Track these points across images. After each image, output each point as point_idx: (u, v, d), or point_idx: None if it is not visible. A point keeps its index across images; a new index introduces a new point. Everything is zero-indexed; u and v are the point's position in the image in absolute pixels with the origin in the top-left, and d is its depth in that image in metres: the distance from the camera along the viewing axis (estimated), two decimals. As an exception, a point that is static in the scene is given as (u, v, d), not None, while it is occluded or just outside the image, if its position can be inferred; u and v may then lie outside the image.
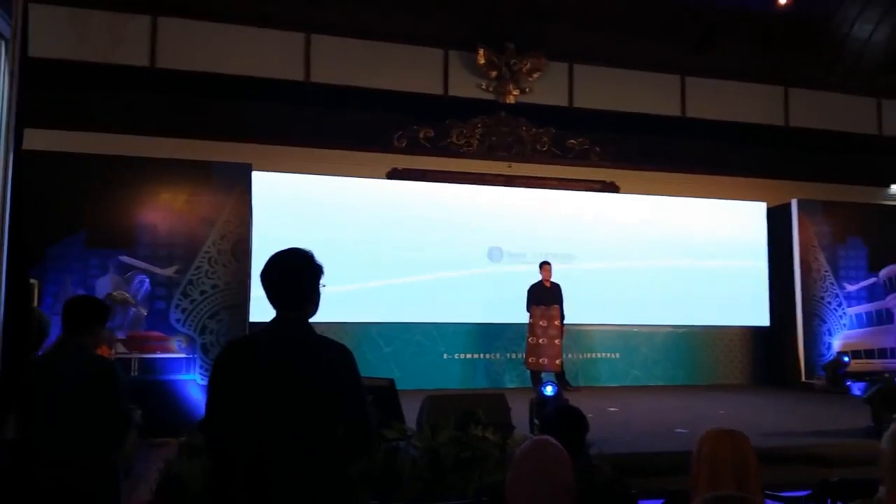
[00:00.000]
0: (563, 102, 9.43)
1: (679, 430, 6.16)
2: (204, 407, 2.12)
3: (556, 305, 8.40)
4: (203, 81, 8.34)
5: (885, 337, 9.93)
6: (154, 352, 7.13)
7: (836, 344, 9.72)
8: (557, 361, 8.33)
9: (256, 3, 8.28)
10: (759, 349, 10.27)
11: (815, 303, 9.78)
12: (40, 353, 3.27)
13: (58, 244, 7.07)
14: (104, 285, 7.19)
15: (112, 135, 8.08)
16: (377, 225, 8.95)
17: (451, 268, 9.12)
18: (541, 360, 8.33)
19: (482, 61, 9.06)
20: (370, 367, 7.96)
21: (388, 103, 9.00)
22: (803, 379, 9.57)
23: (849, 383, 9.03)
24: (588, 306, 9.03)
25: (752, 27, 9.24)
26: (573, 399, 5.53)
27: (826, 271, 9.85)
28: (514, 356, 9.12)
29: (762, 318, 10.23)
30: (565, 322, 8.47)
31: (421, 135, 9.37)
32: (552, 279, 8.60)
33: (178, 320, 7.32)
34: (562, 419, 3.05)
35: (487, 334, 9.25)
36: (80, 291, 6.72)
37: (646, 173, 10.03)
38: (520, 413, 5.37)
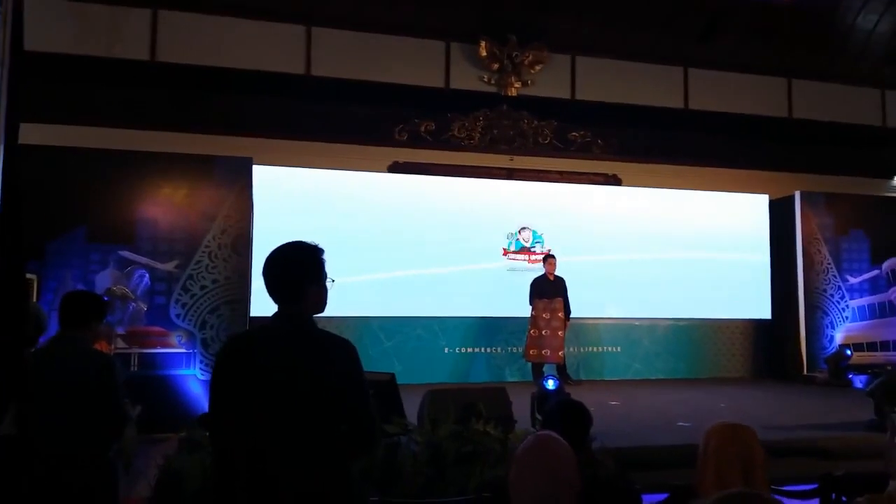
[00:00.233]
0: (566, 95, 9.37)
1: (681, 424, 6.15)
2: (207, 403, 2.11)
3: (560, 298, 8.42)
4: (203, 75, 8.29)
5: (888, 329, 9.90)
6: (154, 347, 7.09)
7: (839, 337, 9.69)
8: (560, 353, 8.35)
9: (257, -5, 8.26)
10: (761, 342, 10.24)
11: (817, 295, 9.74)
12: (37, 349, 3.24)
13: (58, 239, 7.03)
14: (104, 280, 7.15)
15: (112, 129, 8.06)
16: (378, 219, 8.91)
17: (453, 262, 9.09)
18: (543, 352, 8.33)
19: (484, 53, 9.01)
20: (371, 361, 7.93)
21: (390, 96, 8.96)
22: (805, 372, 9.54)
23: (851, 376, 9.02)
24: (589, 300, 9.01)
25: (755, 18, 9.18)
26: (574, 393, 5.54)
27: (828, 264, 9.81)
28: (515, 350, 9.11)
29: (764, 310, 10.20)
30: (571, 316, 8.48)
31: (422, 128, 9.33)
32: (556, 273, 8.61)
33: (178, 315, 7.29)
34: (565, 414, 3.04)
35: (489, 328, 9.23)
36: (80, 287, 6.68)
37: (648, 166, 10.00)
38: (521, 407, 5.35)
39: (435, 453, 4.22)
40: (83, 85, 8.26)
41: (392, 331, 8.86)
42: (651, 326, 9.77)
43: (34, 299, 6.43)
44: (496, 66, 9.08)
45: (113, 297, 6.99)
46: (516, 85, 9.14)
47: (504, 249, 9.44)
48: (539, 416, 5.18)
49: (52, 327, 3.41)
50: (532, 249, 9.49)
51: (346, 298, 8.24)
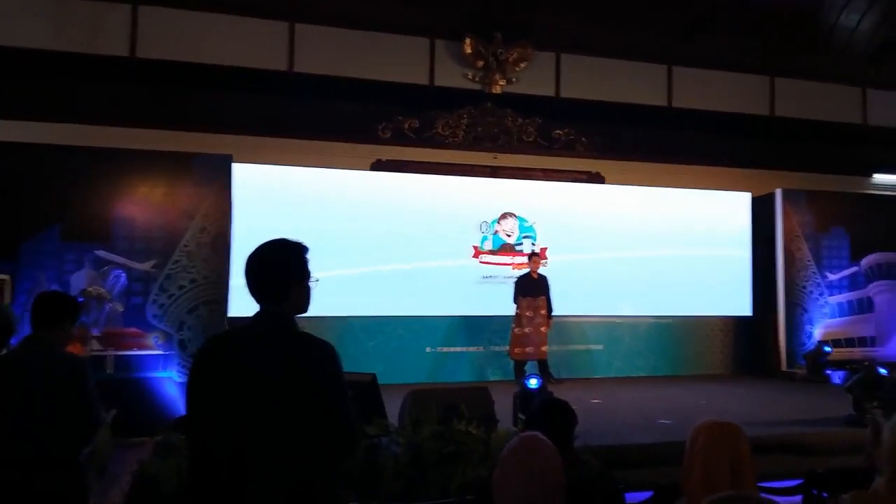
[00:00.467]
0: (550, 92, 9.33)
1: (662, 421, 6.17)
2: (183, 405, 2.06)
3: (543, 297, 8.43)
4: (184, 71, 8.17)
5: (866, 325, 10.00)
6: (130, 348, 6.99)
7: (818, 333, 9.75)
8: (543, 349, 8.40)
9: (239, -9, 8.17)
10: (741, 339, 10.27)
11: (797, 292, 9.80)
12: (7, 352, 3.18)
13: (32, 239, 6.95)
14: (79, 280, 7.07)
15: (90, 126, 7.93)
16: (361, 217, 8.82)
17: (435, 260, 9.02)
18: (527, 349, 8.37)
19: (469, 51, 8.96)
20: (352, 361, 7.82)
21: (373, 93, 8.88)
22: (784, 368, 9.61)
23: (829, 372, 9.08)
24: (572, 297, 8.97)
25: (738, 17, 9.19)
26: (556, 391, 5.52)
27: (809, 260, 9.87)
28: (497, 349, 9.07)
29: (744, 307, 10.23)
30: (553, 314, 8.48)
31: (406, 125, 9.26)
32: (539, 271, 8.61)
33: (155, 316, 7.22)
34: (549, 413, 3.00)
35: (471, 327, 9.18)
36: (55, 287, 6.62)
37: (631, 164, 9.99)
38: (503, 406, 5.32)
39: (416, 455, 4.20)
40: (61, 81, 8.12)
41: (374, 330, 8.78)
42: (633, 324, 9.77)
43: (7, 300, 6.30)
44: (481, 63, 9.03)
45: (88, 297, 6.92)
46: (501, 82, 9.09)
47: (475, 248, 9.29)
48: (522, 416, 5.15)
49: (25, 329, 3.32)
50: (519, 246, 9.41)
51: (327, 297, 8.13)
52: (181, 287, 7.31)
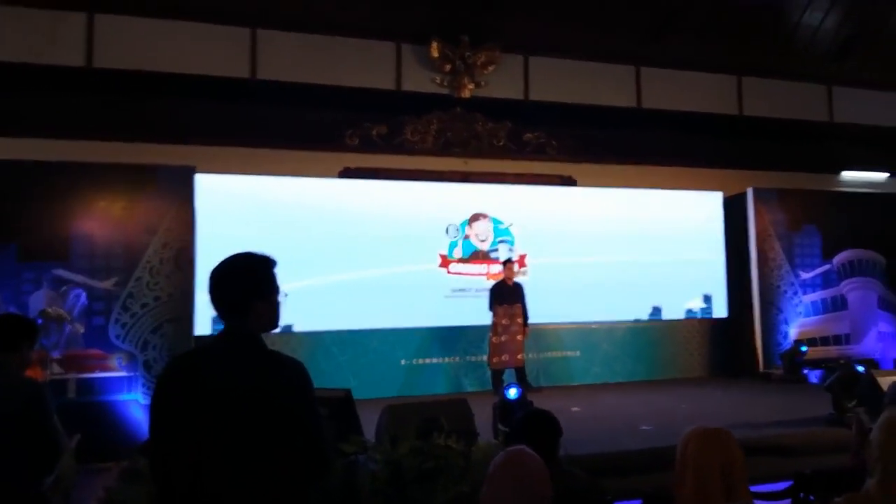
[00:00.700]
0: (519, 96, 9.24)
1: (644, 427, 6.10)
2: (147, 429, 1.95)
3: (519, 304, 8.31)
4: (142, 81, 7.93)
5: (840, 323, 10.07)
6: (93, 371, 6.80)
7: (793, 332, 9.78)
8: (519, 356, 8.29)
9: (198, -3, 7.97)
10: (717, 340, 10.26)
11: (771, 292, 9.83)
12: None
13: (-14, 258, 6.68)
14: (38, 301, 6.86)
15: (45, 140, 7.67)
16: (330, 227, 8.64)
17: (408, 271, 8.86)
18: (503, 358, 8.26)
19: (436, 55, 8.84)
20: (325, 376, 7.69)
21: (339, 100, 8.71)
22: (761, 369, 9.62)
23: (806, 372, 9.11)
24: (547, 304, 8.87)
25: (704, 16, 9.22)
26: (535, 399, 5.42)
27: (782, 260, 9.91)
28: (473, 359, 8.93)
29: (720, 309, 10.23)
30: (529, 322, 8.38)
31: (374, 132, 9.11)
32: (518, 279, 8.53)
33: (118, 336, 7.00)
34: (533, 425, 2.96)
35: (446, 337, 9.01)
36: (12, 309, 6.43)
37: (603, 166, 9.95)
38: (482, 418, 5.20)
39: (395, 471, 4.08)
40: (13, 93, 7.82)
41: (346, 343, 8.57)
42: (609, 329, 9.70)
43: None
44: (448, 67, 8.92)
45: (47, 318, 6.73)
46: (469, 86, 8.99)
47: (443, 257, 9.11)
48: (502, 427, 5.03)
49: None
50: (494, 252, 9.26)
51: (296, 312, 8.01)
52: (144, 305, 7.10)
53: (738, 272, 10.14)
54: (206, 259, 7.01)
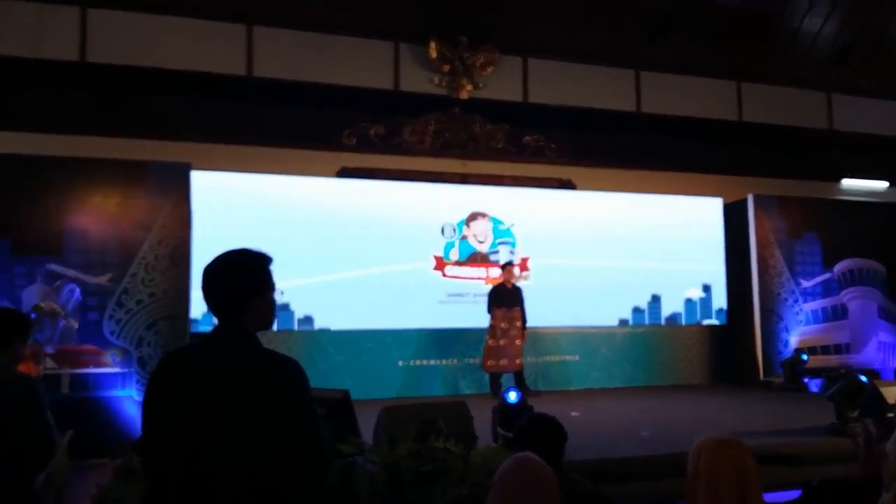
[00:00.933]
0: (518, 98, 9.22)
1: (643, 433, 6.03)
2: (140, 426, 1.89)
3: (518, 308, 8.22)
4: (137, 77, 7.89)
5: (840, 332, 10.02)
6: (87, 366, 6.72)
7: (793, 341, 9.73)
8: (517, 361, 8.19)
9: (194, -8, 7.91)
10: (717, 348, 10.20)
11: (772, 299, 9.77)
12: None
13: (-21, 253, 6.60)
14: (31, 296, 6.77)
15: (39, 134, 7.61)
16: (327, 226, 8.56)
17: (406, 272, 8.78)
18: (501, 362, 8.16)
19: (434, 55, 8.79)
20: (322, 376, 7.61)
21: (336, 99, 8.67)
22: (761, 377, 9.54)
23: (806, 380, 9.05)
24: (546, 308, 8.81)
25: (704, 21, 9.21)
26: (534, 404, 5.33)
27: (782, 267, 9.85)
28: (471, 361, 8.84)
29: (720, 315, 10.18)
30: (527, 326, 8.29)
31: (371, 132, 9.04)
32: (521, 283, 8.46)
33: (112, 332, 6.92)
34: (538, 431, 2.87)
35: (444, 339, 8.93)
36: (5, 303, 6.35)
37: (602, 170, 9.90)
38: (481, 421, 5.11)
39: (393, 474, 4.01)
40: (7, 88, 7.79)
41: (343, 344, 8.49)
42: (608, 334, 9.63)
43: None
44: (447, 67, 8.87)
45: (41, 313, 6.65)
46: (468, 88, 8.94)
47: (438, 259, 9.01)
48: (501, 431, 4.95)
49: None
50: (494, 254, 9.17)
51: (293, 311, 7.93)
52: (139, 302, 7.03)
53: (737, 279, 10.08)
54: (202, 256, 6.90)
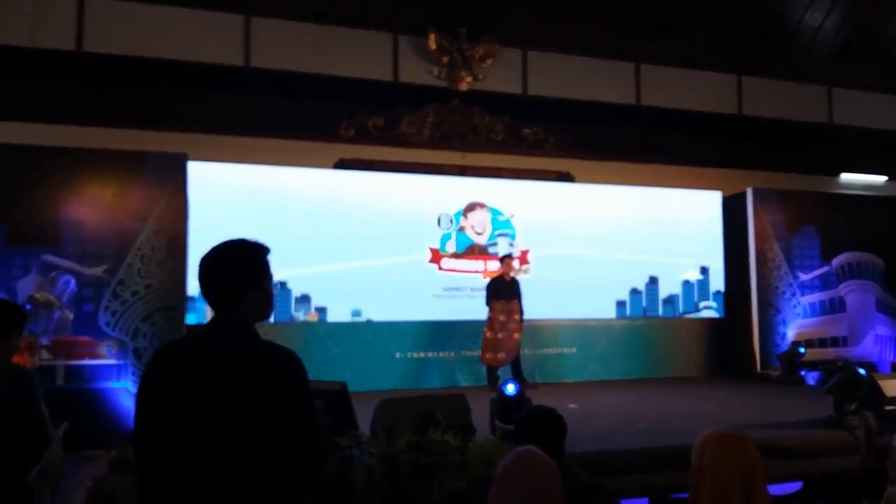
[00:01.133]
0: (517, 90, 9.16)
1: (640, 426, 6.02)
2: (134, 417, 1.87)
3: (516, 300, 8.20)
4: (134, 67, 7.81)
5: (838, 325, 10.02)
6: (82, 358, 6.68)
7: (791, 333, 9.73)
8: (515, 354, 8.17)
9: (192, -18, 7.84)
10: (715, 340, 10.20)
11: (769, 293, 9.77)
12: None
13: (-26, 244, 6.57)
14: (26, 287, 6.75)
15: (35, 124, 7.56)
16: (324, 218, 8.53)
17: (404, 264, 8.76)
18: (499, 355, 8.15)
19: (433, 46, 8.73)
20: (319, 368, 7.57)
21: (334, 90, 8.60)
22: (758, 370, 9.55)
23: (803, 373, 9.05)
24: (544, 300, 8.80)
25: (705, 15, 9.16)
26: (531, 396, 5.31)
27: (781, 261, 9.85)
28: (468, 353, 8.83)
29: (718, 308, 10.18)
30: (524, 318, 8.27)
31: (370, 123, 9.00)
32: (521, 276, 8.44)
33: (107, 323, 6.89)
34: (538, 423, 2.85)
35: (441, 331, 8.92)
36: (1, 294, 6.28)
37: (601, 163, 9.88)
38: (478, 413, 5.09)
39: (391, 466, 3.99)
40: (2, 77, 7.73)
41: (341, 336, 8.47)
42: (606, 327, 9.62)
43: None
44: (446, 59, 8.81)
45: (36, 304, 6.63)
46: (467, 79, 8.89)
47: (434, 251, 8.96)
48: (499, 423, 4.93)
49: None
50: (493, 246, 9.12)
51: (290, 302, 7.90)
52: (135, 293, 6.99)
53: (736, 272, 10.08)
54: (199, 248, 6.88)
